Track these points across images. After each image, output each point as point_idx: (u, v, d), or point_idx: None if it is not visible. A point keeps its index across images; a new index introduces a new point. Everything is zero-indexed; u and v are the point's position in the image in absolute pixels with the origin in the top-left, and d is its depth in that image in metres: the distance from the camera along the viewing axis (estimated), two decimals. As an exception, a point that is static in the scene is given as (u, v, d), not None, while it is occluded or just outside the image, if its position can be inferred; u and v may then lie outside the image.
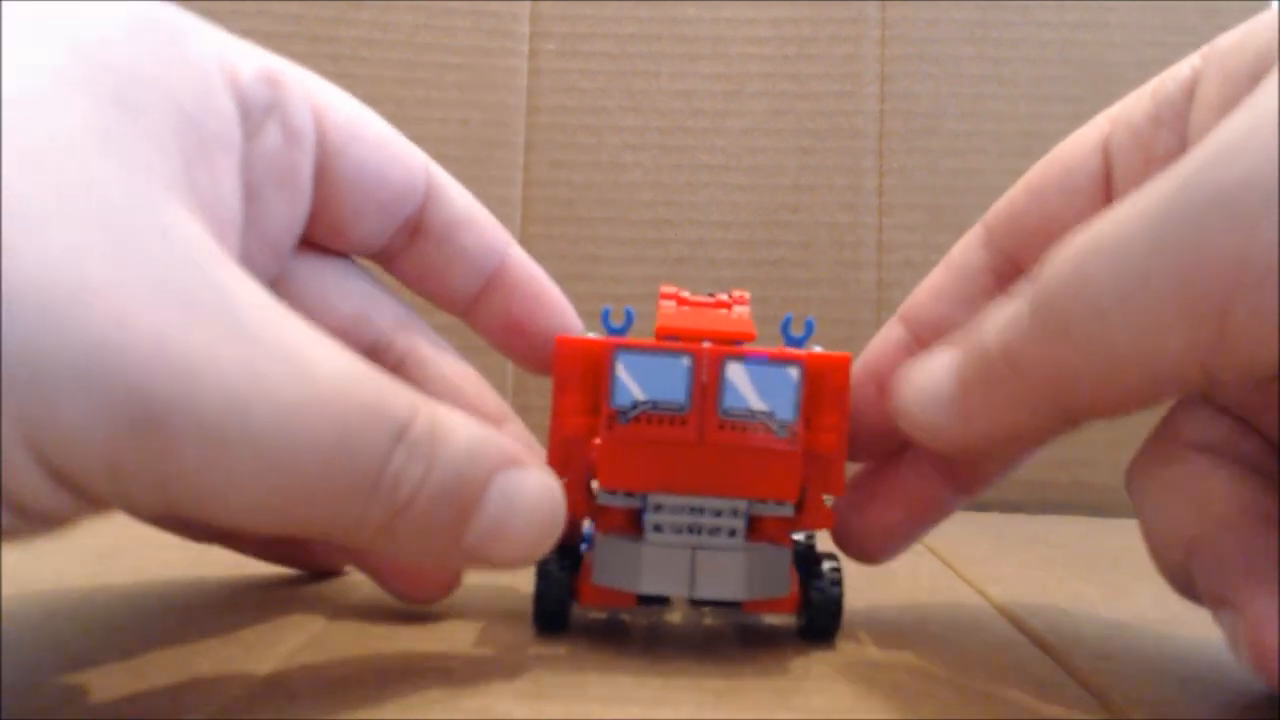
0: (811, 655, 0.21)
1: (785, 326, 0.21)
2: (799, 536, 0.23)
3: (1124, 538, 0.21)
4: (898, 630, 0.23)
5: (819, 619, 0.21)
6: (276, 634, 0.21)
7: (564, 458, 0.21)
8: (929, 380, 0.19)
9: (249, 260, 0.19)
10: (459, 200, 0.23)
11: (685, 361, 0.19)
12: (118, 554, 0.21)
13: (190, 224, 0.15)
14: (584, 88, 0.50)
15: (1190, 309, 0.14)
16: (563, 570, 0.21)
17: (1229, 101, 0.17)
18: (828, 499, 0.22)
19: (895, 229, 0.49)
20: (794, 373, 0.19)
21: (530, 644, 0.21)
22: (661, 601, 0.23)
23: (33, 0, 0.16)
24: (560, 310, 0.24)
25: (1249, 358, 0.15)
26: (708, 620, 0.24)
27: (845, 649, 0.21)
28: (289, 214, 0.21)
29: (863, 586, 0.24)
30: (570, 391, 0.20)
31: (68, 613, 0.22)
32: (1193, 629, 0.20)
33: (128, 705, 0.17)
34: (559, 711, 0.17)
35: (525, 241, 0.50)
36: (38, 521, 0.14)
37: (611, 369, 0.19)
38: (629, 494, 0.20)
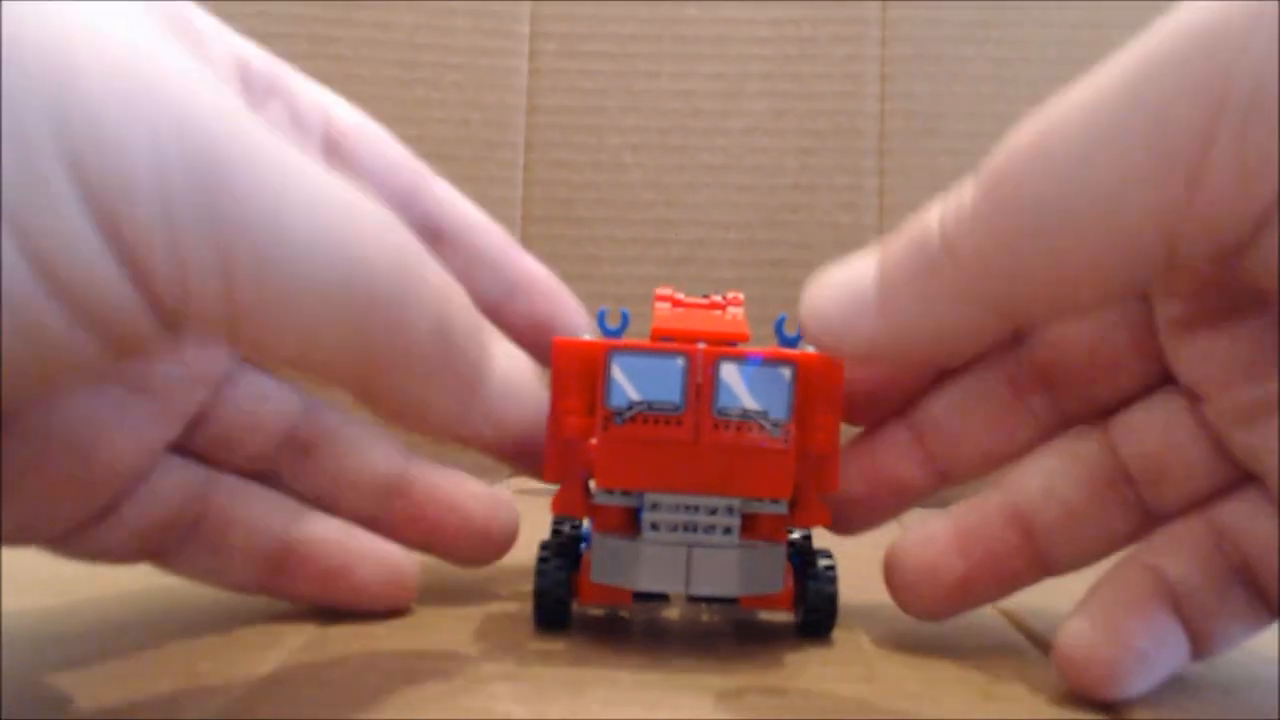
0: (810, 654, 0.21)
1: (779, 326, 0.22)
2: (795, 533, 0.23)
3: (1124, 538, 0.21)
4: (897, 629, 0.23)
5: (815, 614, 0.22)
6: (276, 634, 0.21)
7: (563, 458, 0.21)
8: (846, 276, 0.18)
9: None
10: (468, 206, 0.23)
11: (680, 362, 0.19)
12: (118, 554, 0.21)
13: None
14: (584, 88, 0.50)
15: (1165, 156, 0.14)
16: (562, 569, 0.21)
17: None
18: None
19: (895, 229, 0.49)
20: (787, 373, 0.20)
21: (530, 644, 0.21)
22: (659, 598, 0.23)
23: None
24: (574, 309, 0.24)
25: (1223, 212, 0.14)
26: (705, 617, 0.24)
27: (844, 648, 0.21)
28: None
29: (861, 585, 0.24)
30: (568, 393, 0.20)
31: (68, 613, 0.22)
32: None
33: (128, 705, 0.17)
34: (559, 711, 0.17)
35: (525, 241, 0.50)
36: (94, 329, 0.13)
37: (607, 370, 0.19)
38: (625, 493, 0.20)
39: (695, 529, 0.20)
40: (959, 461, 0.22)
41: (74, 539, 0.19)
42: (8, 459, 0.17)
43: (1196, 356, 0.19)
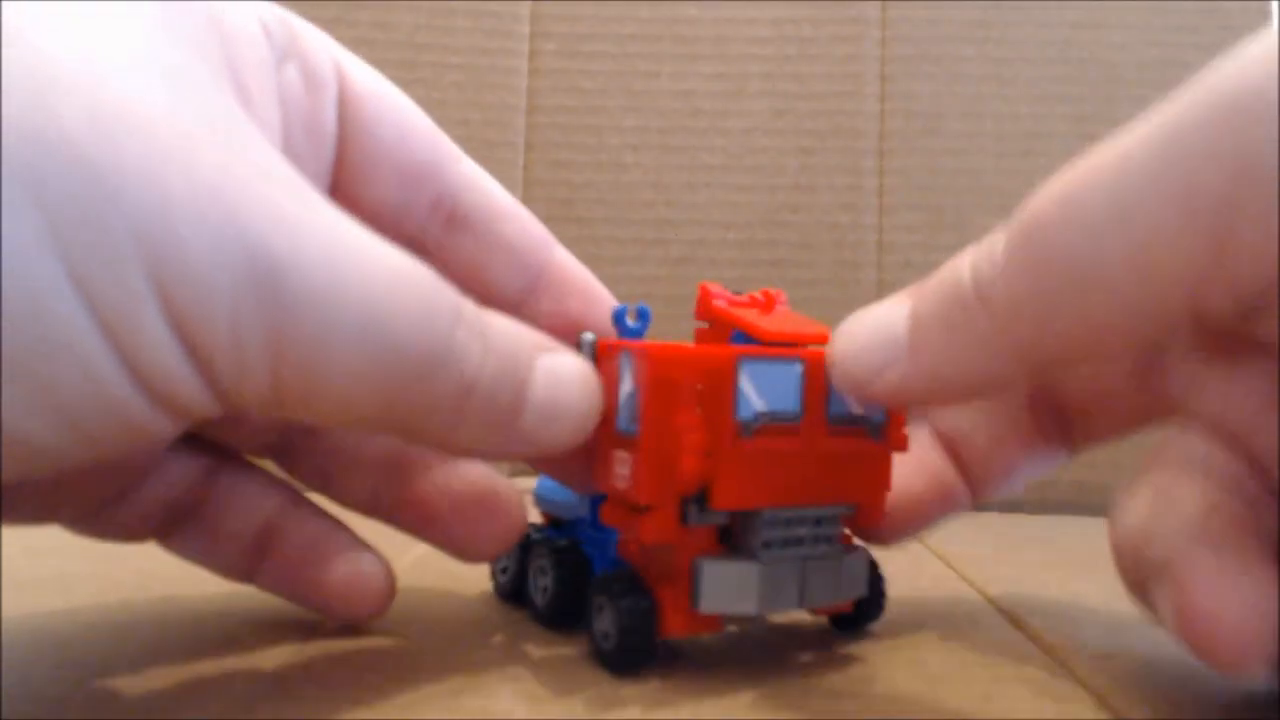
0: (809, 655, 0.21)
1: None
2: None
3: (1124, 538, 0.21)
4: (897, 630, 0.23)
5: (870, 608, 0.22)
6: (276, 634, 0.21)
7: (660, 480, 0.18)
8: (876, 320, 0.18)
9: None
10: (497, 191, 0.23)
11: (799, 369, 0.19)
12: (118, 554, 0.21)
13: (247, 117, 0.16)
14: (584, 88, 0.50)
15: (1193, 218, 0.14)
16: (644, 600, 0.19)
17: None
18: None
19: (895, 229, 0.49)
20: None
21: (530, 644, 0.21)
22: (750, 619, 0.23)
23: None
24: (607, 307, 0.23)
25: (1247, 275, 0.14)
26: None
27: (844, 648, 0.21)
28: (315, 162, 0.21)
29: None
30: (683, 407, 0.18)
31: (68, 613, 0.22)
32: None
33: (128, 705, 0.17)
34: (559, 711, 0.17)
35: (525, 241, 0.50)
36: (167, 410, 0.14)
37: (736, 380, 0.18)
38: (713, 510, 0.19)
39: (802, 542, 0.19)
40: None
41: (89, 520, 0.20)
42: None
43: (1216, 391, 0.19)
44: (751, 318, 0.20)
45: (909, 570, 0.30)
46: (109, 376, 0.14)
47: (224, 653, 0.19)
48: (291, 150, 0.20)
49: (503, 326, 0.18)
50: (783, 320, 0.20)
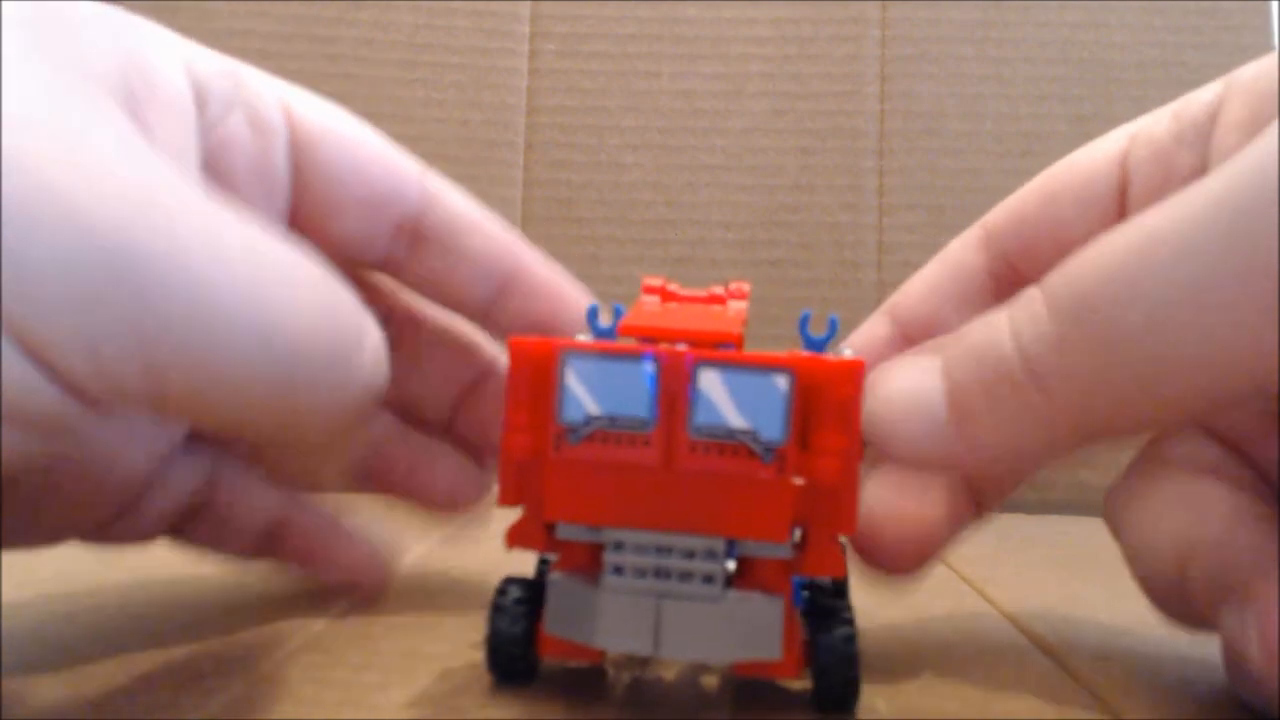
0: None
1: (803, 325, 0.18)
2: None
3: (1124, 538, 0.21)
4: (897, 630, 0.23)
5: (829, 688, 0.17)
6: (276, 634, 0.21)
7: (518, 484, 0.17)
8: (915, 390, 0.17)
9: None
10: (459, 205, 0.23)
11: (648, 368, 0.16)
12: (118, 554, 0.21)
13: (131, 127, 0.15)
14: (584, 88, 0.50)
15: (1263, 313, 0.13)
16: (525, 610, 0.18)
17: (1258, 117, 0.17)
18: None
19: (895, 229, 0.49)
20: (782, 382, 0.16)
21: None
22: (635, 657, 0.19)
23: None
24: (577, 306, 0.23)
25: None
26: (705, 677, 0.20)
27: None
28: (268, 203, 0.21)
29: (862, 586, 0.24)
30: (520, 404, 0.17)
31: (68, 613, 0.22)
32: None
33: (128, 705, 0.17)
34: (560, 711, 0.17)
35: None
36: (37, 429, 0.13)
37: (560, 376, 0.16)
38: (591, 528, 0.17)
39: (669, 575, 0.16)
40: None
41: (97, 535, 0.21)
42: (25, 490, 0.18)
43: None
44: (641, 308, 0.18)
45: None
46: None
47: (224, 652, 0.19)
48: (239, 195, 0.20)
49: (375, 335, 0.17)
50: (689, 316, 0.18)
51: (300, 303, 0.15)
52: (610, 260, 0.49)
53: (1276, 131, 0.14)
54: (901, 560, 0.21)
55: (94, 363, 0.13)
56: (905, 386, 0.17)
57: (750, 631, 0.16)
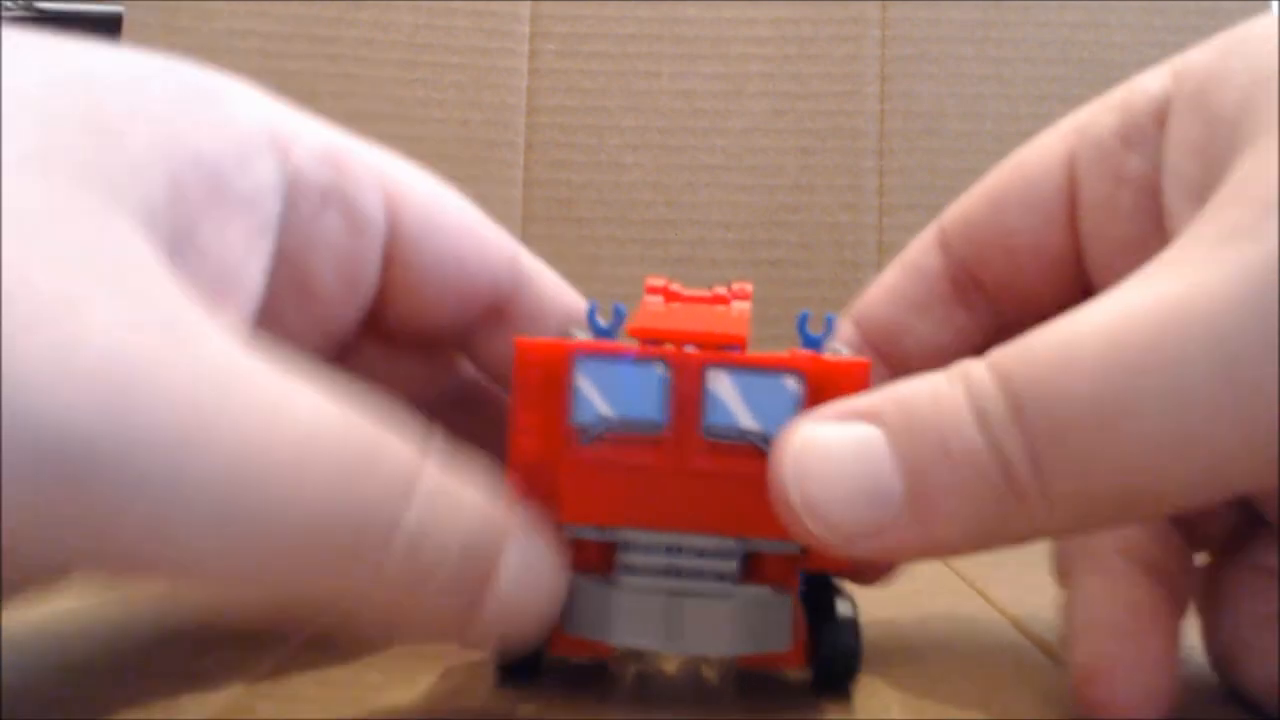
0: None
1: (802, 324, 0.18)
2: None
3: (1124, 538, 0.21)
4: (897, 630, 0.23)
5: (831, 676, 0.18)
6: (277, 633, 0.21)
7: (526, 486, 0.17)
8: (850, 466, 0.15)
9: (297, 337, 0.19)
10: (547, 288, 0.22)
11: (660, 370, 0.16)
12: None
13: (142, 249, 0.14)
14: (584, 88, 0.50)
15: (1260, 440, 0.13)
16: None
17: (1214, 143, 0.16)
18: None
19: (895, 229, 0.49)
20: (792, 383, 0.16)
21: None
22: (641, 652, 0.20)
23: (62, 43, 0.15)
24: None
25: None
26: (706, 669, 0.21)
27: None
28: (348, 303, 0.20)
29: (861, 587, 0.24)
30: (528, 406, 0.17)
31: (67, 613, 0.22)
32: (1192, 630, 0.20)
33: (128, 705, 0.17)
34: (560, 711, 0.17)
35: (525, 241, 0.50)
36: None
37: (571, 379, 0.16)
38: (601, 528, 0.17)
39: (681, 574, 0.16)
40: None
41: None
42: None
43: None
44: (648, 309, 0.18)
45: (908, 571, 0.30)
46: None
47: (223, 652, 0.19)
48: (315, 294, 0.19)
49: (473, 504, 0.15)
50: (697, 318, 0.18)
51: (322, 476, 0.13)
52: (610, 260, 0.49)
53: (1269, 264, 0.13)
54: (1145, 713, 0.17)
55: (32, 544, 0.12)
56: (840, 463, 0.15)
57: (762, 625, 0.17)
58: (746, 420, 0.16)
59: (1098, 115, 0.20)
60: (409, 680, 0.18)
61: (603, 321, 0.18)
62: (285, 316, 0.18)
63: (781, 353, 0.17)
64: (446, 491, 0.14)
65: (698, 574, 0.16)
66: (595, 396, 0.16)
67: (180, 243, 0.15)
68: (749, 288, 0.19)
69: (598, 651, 0.18)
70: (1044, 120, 0.55)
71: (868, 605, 0.24)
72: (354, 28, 0.49)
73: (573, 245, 0.49)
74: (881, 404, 0.15)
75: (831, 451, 0.15)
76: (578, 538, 0.17)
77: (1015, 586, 0.28)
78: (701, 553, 0.16)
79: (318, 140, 0.19)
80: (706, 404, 0.16)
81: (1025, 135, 0.54)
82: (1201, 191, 0.16)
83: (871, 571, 0.21)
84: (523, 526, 0.16)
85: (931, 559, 0.19)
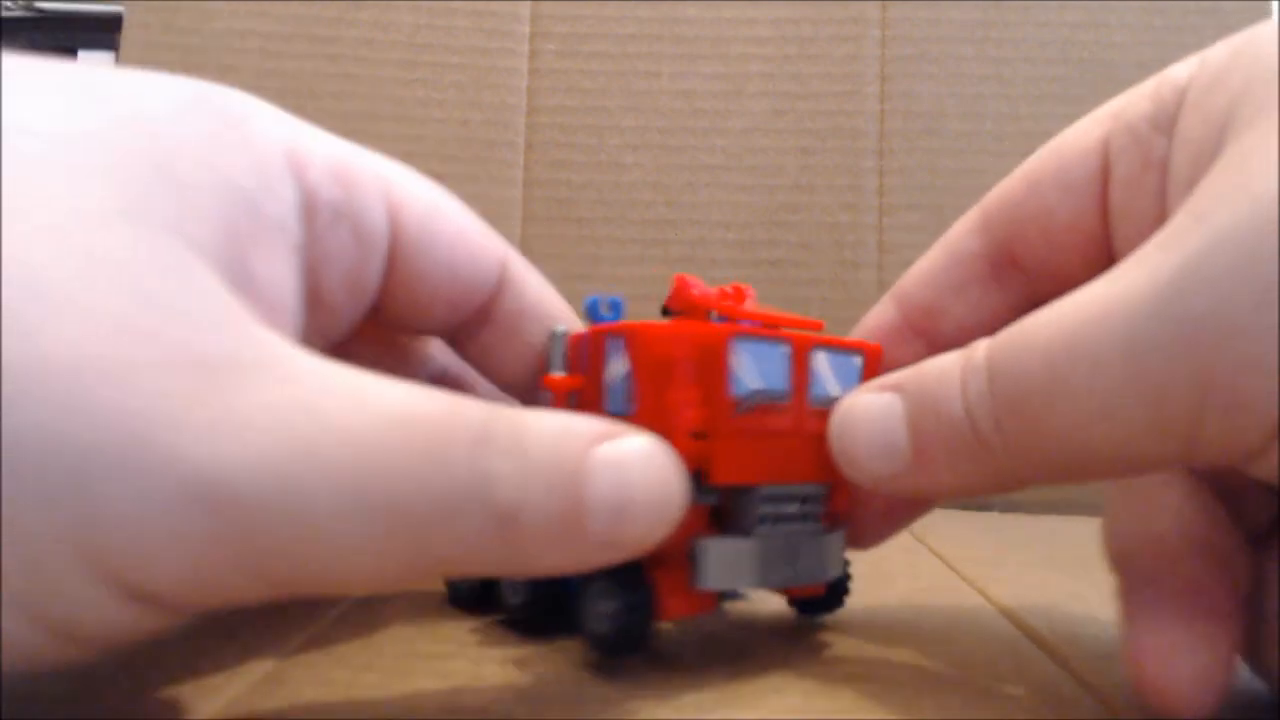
0: (811, 654, 0.21)
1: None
2: None
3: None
4: (898, 630, 0.23)
5: (839, 591, 0.23)
6: (277, 633, 0.21)
7: (688, 454, 0.18)
8: (876, 426, 0.19)
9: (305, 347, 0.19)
10: (531, 289, 0.23)
11: (786, 349, 0.19)
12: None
13: (220, 289, 0.15)
14: (584, 88, 0.50)
15: (1162, 427, 0.15)
16: (643, 586, 0.19)
17: (1204, 150, 0.17)
18: None
19: (895, 229, 0.49)
20: (858, 360, 0.21)
21: (530, 644, 0.21)
22: (735, 597, 0.24)
23: (88, 73, 0.16)
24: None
25: (1218, 461, 0.15)
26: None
27: (845, 649, 0.21)
28: (351, 310, 0.21)
29: (862, 587, 0.24)
30: (680, 383, 0.18)
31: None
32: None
33: (128, 705, 0.17)
34: (559, 712, 0.17)
35: (525, 241, 0.50)
36: (98, 644, 0.13)
37: (731, 357, 0.19)
38: (710, 490, 0.19)
39: (792, 519, 0.20)
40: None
41: None
42: None
43: None
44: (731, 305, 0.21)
45: (909, 570, 0.30)
46: (16, 634, 0.12)
47: (224, 652, 0.19)
48: (323, 304, 0.20)
49: (547, 431, 0.15)
50: (774, 310, 0.21)
51: (402, 455, 0.14)
52: (610, 260, 0.49)
53: (1166, 260, 0.15)
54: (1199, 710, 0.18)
55: (200, 586, 0.13)
56: (869, 423, 0.19)
57: (838, 556, 0.21)
58: (834, 389, 0.20)
59: (1133, 101, 0.21)
60: (408, 680, 0.18)
61: (605, 314, 0.20)
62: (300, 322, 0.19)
63: (844, 337, 0.21)
64: (517, 431, 0.15)
65: (804, 518, 0.20)
66: (747, 373, 0.19)
67: (238, 275, 0.16)
68: (751, 291, 0.21)
69: (704, 608, 0.20)
70: (1044, 120, 0.55)
71: (869, 606, 0.24)
72: (354, 28, 0.49)
73: (573, 245, 0.49)
74: (905, 377, 0.18)
75: (861, 414, 0.19)
76: (698, 504, 0.19)
77: (1015, 585, 0.28)
78: (806, 499, 0.20)
79: (328, 156, 0.19)
80: (812, 378, 0.20)
81: (1025, 135, 0.54)
82: (1189, 187, 0.17)
83: (865, 536, 0.23)
84: (606, 433, 0.16)
85: (941, 499, 0.22)
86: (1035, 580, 0.29)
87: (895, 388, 0.19)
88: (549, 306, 0.23)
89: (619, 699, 0.18)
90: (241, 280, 0.16)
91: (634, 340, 0.19)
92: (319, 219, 0.19)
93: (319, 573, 0.14)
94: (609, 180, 0.50)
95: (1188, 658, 0.17)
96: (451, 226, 0.21)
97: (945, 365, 0.18)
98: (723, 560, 0.19)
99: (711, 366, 0.19)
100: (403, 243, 0.21)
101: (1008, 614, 0.25)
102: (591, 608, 0.19)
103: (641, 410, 0.19)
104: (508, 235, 0.49)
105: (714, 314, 0.20)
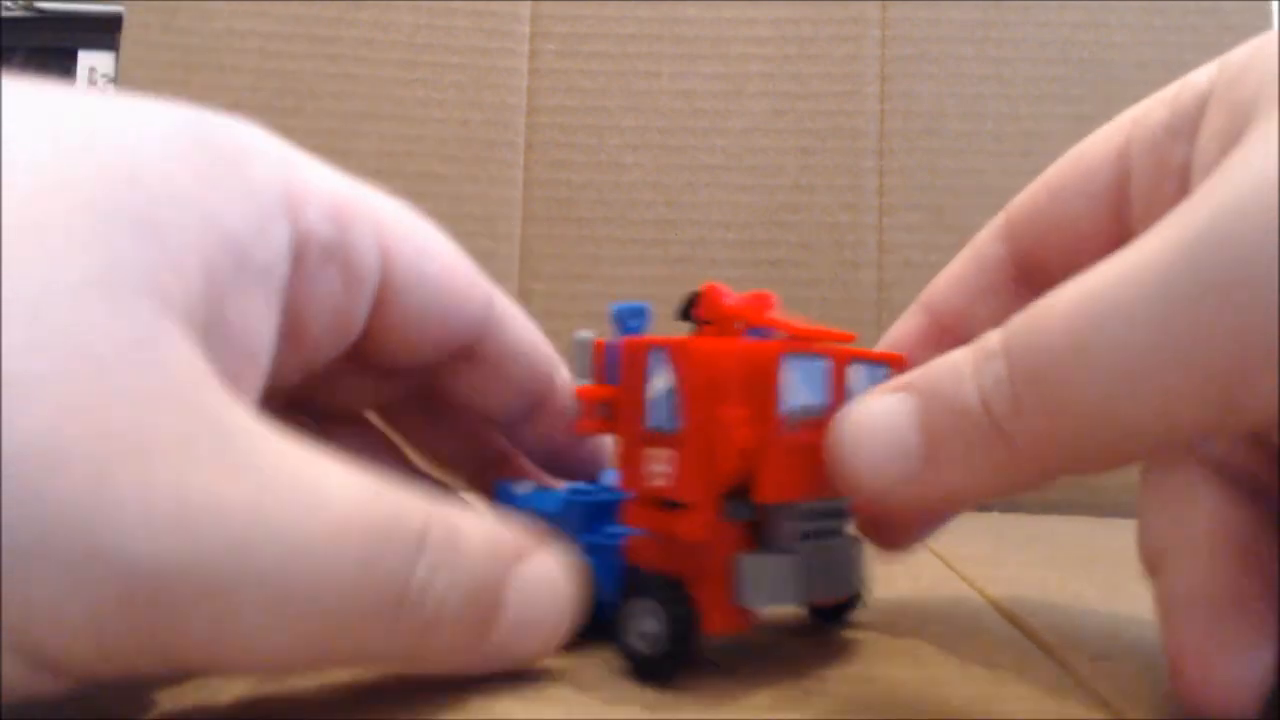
0: (810, 654, 0.21)
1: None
2: None
3: (1124, 538, 0.21)
4: (898, 630, 0.23)
5: (857, 598, 0.23)
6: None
7: (706, 477, 0.18)
8: (889, 431, 0.17)
9: (279, 380, 0.19)
10: (515, 331, 0.23)
11: (828, 365, 0.19)
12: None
13: (186, 358, 0.15)
14: (584, 88, 0.50)
15: (1200, 388, 0.14)
16: (689, 604, 0.19)
17: (1230, 139, 0.17)
18: None
19: (895, 229, 0.49)
20: (886, 372, 0.20)
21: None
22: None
23: (82, 109, 0.16)
24: (602, 442, 0.25)
25: (1259, 424, 0.15)
26: None
27: (844, 648, 0.21)
28: (334, 346, 0.21)
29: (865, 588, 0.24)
30: (732, 400, 0.18)
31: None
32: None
33: (128, 705, 0.17)
34: (559, 711, 0.17)
35: (525, 241, 0.50)
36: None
37: (781, 373, 0.18)
38: (749, 506, 0.19)
39: (827, 534, 0.20)
40: None
41: None
42: None
43: None
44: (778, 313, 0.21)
45: (909, 570, 0.30)
46: None
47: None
48: (306, 340, 0.20)
49: (476, 542, 0.16)
50: (801, 320, 0.21)
51: (345, 559, 0.14)
52: (610, 260, 0.49)
53: (1198, 215, 0.14)
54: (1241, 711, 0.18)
55: (105, 662, 0.13)
56: (875, 425, 0.17)
57: (861, 564, 0.21)
58: None
59: (1151, 108, 0.21)
60: (409, 680, 0.18)
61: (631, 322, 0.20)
62: (274, 359, 0.19)
63: (871, 349, 0.21)
64: (452, 540, 0.16)
65: (834, 532, 0.20)
66: (794, 389, 0.19)
67: (212, 324, 0.16)
68: (773, 297, 0.21)
69: (743, 625, 0.19)
70: (1044, 120, 0.55)
71: (868, 610, 0.24)
72: (354, 28, 0.49)
73: (573, 245, 0.49)
74: (913, 375, 0.17)
75: (865, 418, 0.18)
76: (732, 519, 0.19)
77: (1015, 585, 0.28)
78: (834, 514, 0.20)
79: (324, 194, 0.19)
80: (848, 391, 0.19)
81: (1025, 135, 0.54)
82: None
83: (893, 535, 0.23)
84: (531, 546, 0.17)
85: (952, 507, 0.21)
86: (1035, 580, 0.29)
87: (903, 387, 0.18)
88: (532, 348, 0.24)
89: (619, 700, 0.18)
90: (215, 329, 0.16)
91: (681, 356, 0.18)
92: (309, 258, 0.19)
93: (224, 658, 0.14)
94: (609, 180, 0.50)
95: (1229, 659, 0.17)
96: (440, 268, 0.21)
97: (956, 357, 0.17)
98: (765, 577, 0.19)
99: (762, 384, 0.18)
100: (391, 283, 0.20)
101: (1007, 614, 0.25)
102: (638, 629, 0.19)
103: (689, 428, 0.18)
104: (508, 235, 0.50)
105: (741, 324, 0.20)
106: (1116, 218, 0.21)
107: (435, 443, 0.26)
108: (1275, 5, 0.49)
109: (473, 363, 0.23)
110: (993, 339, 0.16)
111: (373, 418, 0.25)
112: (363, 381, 0.23)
